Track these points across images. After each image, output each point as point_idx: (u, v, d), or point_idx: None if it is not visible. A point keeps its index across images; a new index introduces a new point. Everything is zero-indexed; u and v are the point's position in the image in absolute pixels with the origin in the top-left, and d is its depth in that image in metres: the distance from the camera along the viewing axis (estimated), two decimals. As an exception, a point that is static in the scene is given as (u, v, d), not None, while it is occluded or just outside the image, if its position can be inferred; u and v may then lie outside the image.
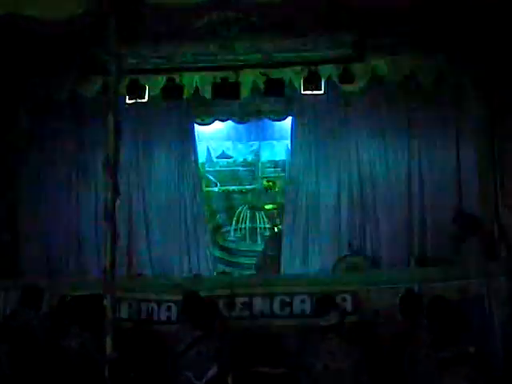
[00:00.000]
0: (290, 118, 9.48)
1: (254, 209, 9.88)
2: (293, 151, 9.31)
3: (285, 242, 8.96)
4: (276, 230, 9.34)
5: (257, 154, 10.06)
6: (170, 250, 9.21)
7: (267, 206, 9.36)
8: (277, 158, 10.05)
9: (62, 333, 4.36)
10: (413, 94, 8.76)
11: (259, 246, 9.70)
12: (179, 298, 5.88)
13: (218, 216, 10.04)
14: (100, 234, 8.98)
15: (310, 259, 8.85)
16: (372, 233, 8.86)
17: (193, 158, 9.54)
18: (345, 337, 4.06)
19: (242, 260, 9.74)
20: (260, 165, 10.04)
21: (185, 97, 8.67)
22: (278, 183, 9.77)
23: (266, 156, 10.05)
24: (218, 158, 10.14)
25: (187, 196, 9.42)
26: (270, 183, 9.38)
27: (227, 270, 9.31)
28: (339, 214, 8.93)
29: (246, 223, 9.95)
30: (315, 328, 4.36)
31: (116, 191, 3.44)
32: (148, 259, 9.22)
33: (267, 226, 9.80)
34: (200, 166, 10.09)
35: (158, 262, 9.20)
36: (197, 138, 10.06)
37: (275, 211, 9.32)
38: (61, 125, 9.29)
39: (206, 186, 10.07)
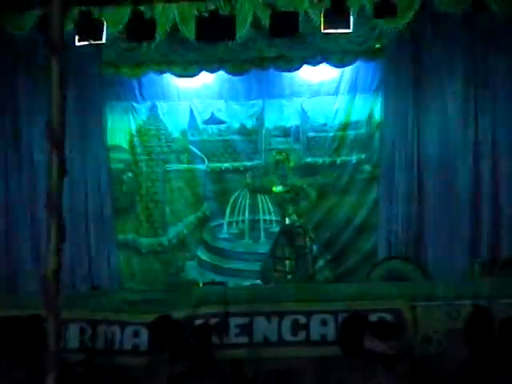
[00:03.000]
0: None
1: (256, 192, 9.79)
2: (386, 108, 9.20)
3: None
4: (288, 221, 9.20)
5: (259, 117, 10.00)
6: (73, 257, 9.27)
7: (275, 189, 9.25)
8: (287, 124, 10.00)
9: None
10: (482, 32, 8.66)
11: (263, 246, 9.66)
12: (152, 317, 5.85)
13: (205, 205, 10.01)
14: (38, 227, 8.96)
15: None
16: (422, 230, 8.81)
17: (100, 130, 9.49)
18: (398, 371, 4.00)
19: (239, 265, 9.73)
20: (264, 132, 9.98)
21: (159, 37, 8.59)
22: (292, 156, 9.64)
23: (271, 120, 9.99)
24: (205, 123, 10.09)
25: (89, 183, 9.45)
26: (283, 155, 9.25)
27: (218, 279, 9.29)
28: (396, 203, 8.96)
29: (244, 214, 9.91)
30: (351, 355, 4.32)
31: (63, 169, 3.35)
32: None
33: (274, 218, 9.75)
34: (180, 134, 10.04)
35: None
36: (176, 95, 10.01)
37: (287, 195, 9.20)
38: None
39: (189, 163, 10.04)
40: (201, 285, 9.02)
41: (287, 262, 9.02)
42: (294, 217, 9.02)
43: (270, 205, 9.79)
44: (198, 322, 6.49)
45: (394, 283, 7.53)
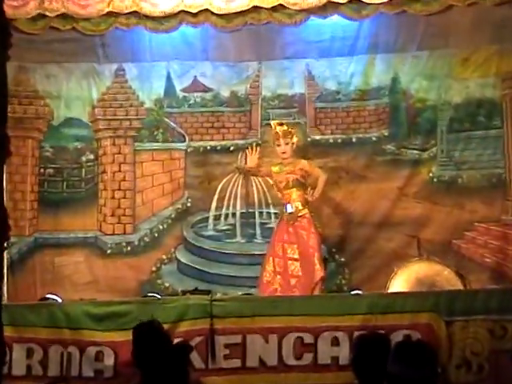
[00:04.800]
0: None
1: (249, 174, 9.67)
2: None
3: None
4: (290, 209, 9.04)
5: (255, 83, 10.01)
6: None
7: (274, 168, 9.19)
8: (289, 92, 10.01)
9: None
10: None
11: (259, 246, 9.69)
12: (120, 336, 5.88)
13: (185, 194, 10.01)
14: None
15: None
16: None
17: None
18: None
19: (229, 270, 9.77)
20: (260, 102, 9.99)
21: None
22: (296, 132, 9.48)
23: (270, 87, 10.02)
24: (185, 90, 10.10)
25: None
26: (284, 127, 9.19)
27: (203, 287, 9.29)
28: None
29: (235, 206, 9.92)
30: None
31: (5, 148, 3.34)
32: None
33: (273, 210, 9.76)
34: (154, 104, 10.03)
35: None
36: (149, 55, 9.99)
37: (291, 178, 9.12)
38: None
39: (165, 141, 10.03)
40: (180, 294, 9.03)
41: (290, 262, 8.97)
42: (299, 204, 8.95)
43: (267, 194, 9.78)
44: (177, 340, 6.50)
45: (422, 293, 7.55)
